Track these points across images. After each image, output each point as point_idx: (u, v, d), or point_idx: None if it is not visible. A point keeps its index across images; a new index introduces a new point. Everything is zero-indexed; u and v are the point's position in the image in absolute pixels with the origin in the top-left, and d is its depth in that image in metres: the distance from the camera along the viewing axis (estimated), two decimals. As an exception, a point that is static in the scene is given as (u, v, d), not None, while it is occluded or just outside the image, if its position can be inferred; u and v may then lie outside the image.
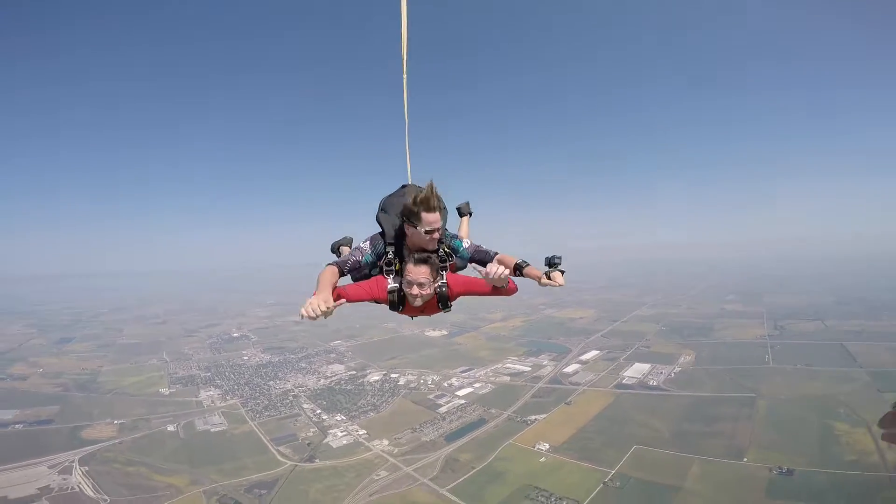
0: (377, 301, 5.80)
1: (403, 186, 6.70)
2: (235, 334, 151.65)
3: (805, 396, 70.85)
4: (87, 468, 60.69)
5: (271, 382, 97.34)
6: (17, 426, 74.50)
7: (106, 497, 54.00)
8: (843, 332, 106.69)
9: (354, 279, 5.90)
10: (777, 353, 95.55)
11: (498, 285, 5.34)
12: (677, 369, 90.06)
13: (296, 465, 61.61)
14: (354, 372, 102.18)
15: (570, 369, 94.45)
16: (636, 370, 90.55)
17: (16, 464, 61.09)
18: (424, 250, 5.65)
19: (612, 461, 56.95)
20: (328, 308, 4.57)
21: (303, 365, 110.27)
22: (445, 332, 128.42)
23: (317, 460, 63.02)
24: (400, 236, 5.91)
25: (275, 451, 65.54)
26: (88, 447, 66.93)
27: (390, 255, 5.85)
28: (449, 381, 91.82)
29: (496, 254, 6.05)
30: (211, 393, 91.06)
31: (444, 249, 5.93)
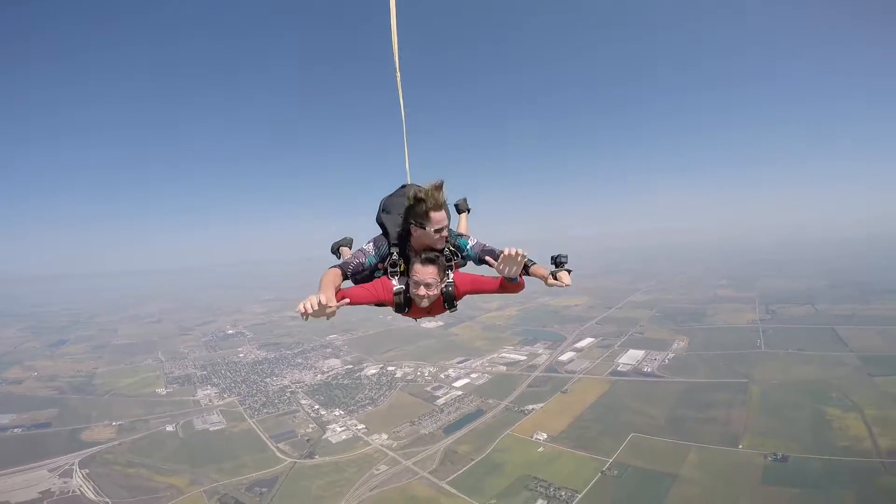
0: (381, 303, 5.71)
1: (403, 186, 6.57)
2: (230, 331, 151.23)
3: (797, 381, 71.73)
4: (87, 471, 60.72)
5: (268, 379, 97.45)
6: (15, 430, 74.22)
7: (107, 500, 54.07)
8: (835, 316, 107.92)
9: (355, 282, 5.77)
10: (769, 337, 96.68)
11: (510, 277, 5.29)
12: (671, 355, 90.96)
13: (296, 462, 61.85)
14: (351, 366, 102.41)
15: (565, 357, 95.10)
16: (631, 357, 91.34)
17: (16, 468, 60.99)
18: (431, 250, 5.58)
19: (609, 450, 57.57)
20: (328, 304, 4.49)
21: (299, 360, 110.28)
22: (441, 323, 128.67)
23: (316, 456, 63.28)
24: (404, 237, 5.82)
25: (274, 449, 65.74)
26: (88, 449, 66.89)
27: (395, 257, 5.77)
28: (446, 373, 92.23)
29: (501, 252, 5.89)
30: (208, 391, 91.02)
31: (449, 248, 5.87)
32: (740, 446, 55.46)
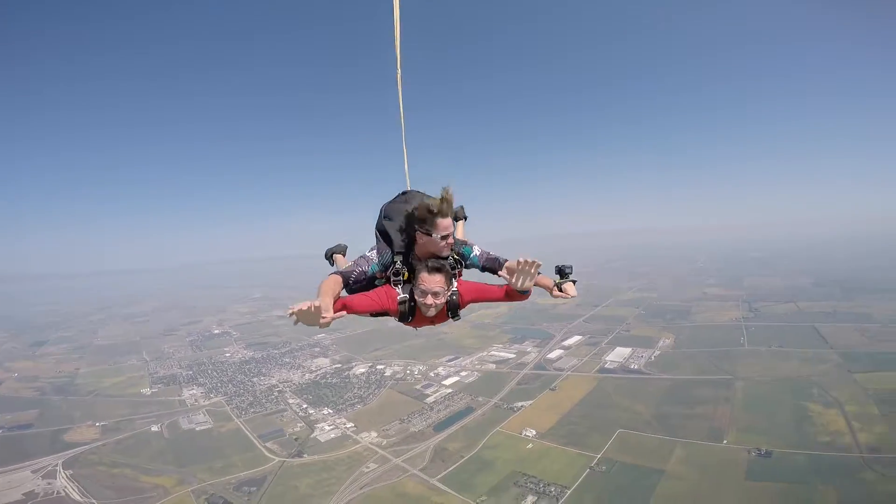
0: (384, 313, 5.54)
1: (404, 193, 6.44)
2: (216, 331, 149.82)
3: (779, 378, 73.22)
4: (71, 471, 59.82)
5: (255, 379, 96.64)
6: (-4, 431, 72.72)
7: (93, 501, 53.35)
8: (815, 313, 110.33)
9: (354, 291, 5.53)
10: (752, 335, 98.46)
11: (524, 290, 5.20)
12: (657, 352, 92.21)
13: (284, 461, 61.54)
14: (340, 365, 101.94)
15: (553, 355, 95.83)
16: (618, 354, 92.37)
17: (-2, 469, 59.96)
18: (437, 258, 5.47)
19: (597, 446, 58.22)
20: (324, 311, 4.34)
21: (287, 360, 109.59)
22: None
23: (305, 455, 63.04)
24: (408, 245, 5.67)
25: (262, 448, 65.32)
26: (71, 450, 65.87)
27: (398, 265, 5.58)
28: (435, 371, 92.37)
29: (506, 260, 5.86)
30: (194, 391, 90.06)
31: (453, 257, 5.76)
32: (725, 442, 56.43)
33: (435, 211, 5.20)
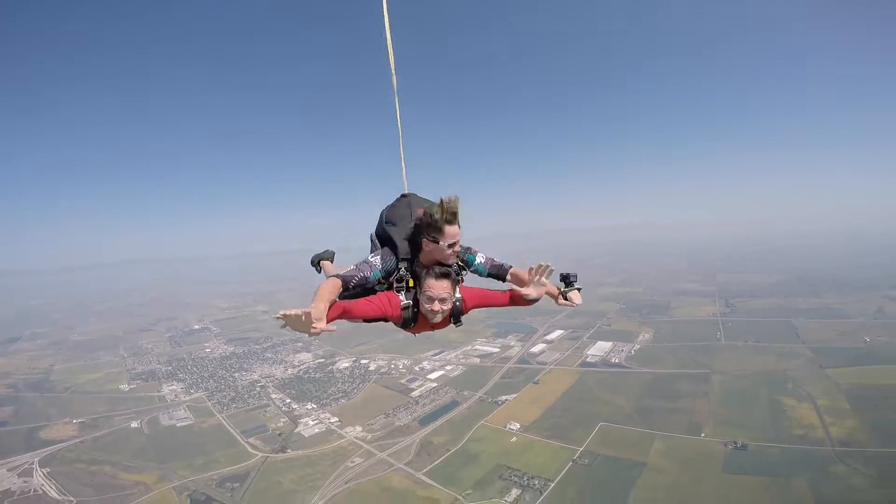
0: (384, 318, 5.40)
1: (404, 196, 6.27)
2: (196, 326, 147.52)
3: (755, 372, 75.22)
4: (48, 469, 58.51)
5: (237, 374, 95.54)
6: (-32, 429, 70.51)
7: (72, 498, 52.30)
8: (789, 309, 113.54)
9: (349, 296, 5.34)
10: (728, 329, 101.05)
11: (535, 299, 5.26)
12: (637, 346, 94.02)
13: (267, 457, 61.07)
14: (323, 360, 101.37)
15: (536, 349, 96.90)
16: (599, 348, 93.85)
17: (-29, 468, 58.25)
18: (442, 265, 5.32)
19: (579, 439, 59.16)
20: (317, 319, 4.17)
21: (269, 355, 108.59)
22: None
23: (289, 450, 62.65)
24: (413, 251, 5.52)
25: (245, 444, 64.71)
26: (48, 448, 64.42)
27: (402, 271, 5.45)
28: (420, 365, 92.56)
29: (510, 267, 5.87)
30: (174, 387, 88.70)
31: (457, 263, 5.62)
32: (703, 435, 57.79)
33: (443, 218, 5.09)
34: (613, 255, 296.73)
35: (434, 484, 52.52)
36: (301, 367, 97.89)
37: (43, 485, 55.19)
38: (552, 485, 50.14)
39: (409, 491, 51.70)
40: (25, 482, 55.65)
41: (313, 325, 4.13)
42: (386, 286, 5.54)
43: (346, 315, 4.89)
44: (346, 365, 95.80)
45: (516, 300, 5.50)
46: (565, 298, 5.51)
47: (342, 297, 5.09)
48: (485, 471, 53.91)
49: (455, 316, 5.54)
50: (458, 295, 5.45)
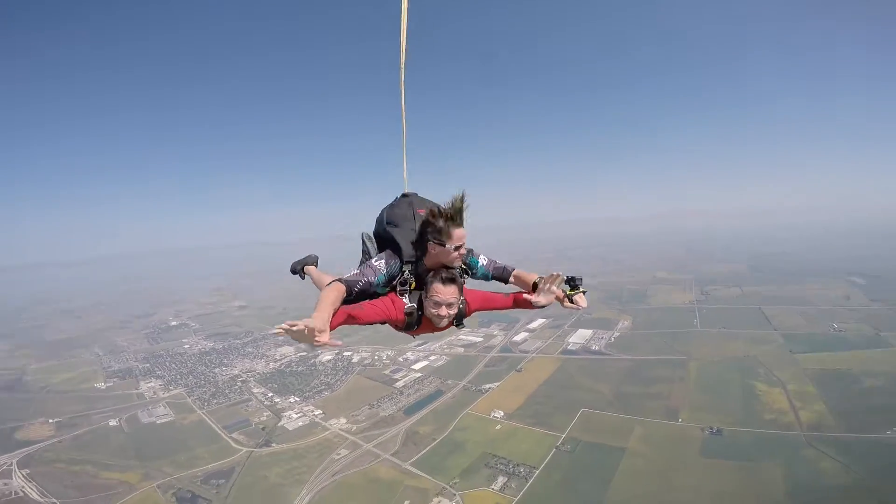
0: (386, 322, 5.32)
1: (405, 196, 6.08)
2: (173, 323, 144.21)
3: (729, 358, 77.78)
4: (28, 471, 57.12)
5: (217, 370, 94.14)
6: (-61, 432, 67.83)
7: (54, 500, 51.24)
8: (761, 297, 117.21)
9: (351, 301, 5.11)
10: (704, 316, 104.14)
11: (543, 306, 5.32)
12: (617, 334, 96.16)
13: (252, 451, 60.69)
14: (305, 353, 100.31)
15: (519, 338, 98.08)
16: (580, 336, 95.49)
17: (-54, 471, 56.43)
18: (447, 268, 5.24)
19: (562, 425, 60.43)
20: (320, 333, 4.03)
21: (249, 350, 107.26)
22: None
23: (273, 444, 62.33)
24: (419, 254, 5.37)
25: (228, 439, 64.10)
26: (26, 448, 62.77)
27: (406, 274, 5.31)
28: (404, 356, 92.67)
29: (513, 269, 5.87)
30: (152, 384, 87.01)
31: (461, 266, 5.51)
32: (680, 420, 59.59)
33: (449, 220, 4.97)
34: (594, 247, 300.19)
35: (421, 474, 53.03)
36: (283, 360, 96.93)
37: (24, 486, 53.86)
38: (537, 472, 51.20)
39: (397, 481, 52.08)
40: (6, 484, 54.26)
41: (316, 338, 4.00)
42: (389, 289, 5.40)
43: (350, 321, 4.83)
44: (329, 357, 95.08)
45: (521, 304, 5.53)
46: (571, 301, 5.53)
47: (345, 301, 4.96)
48: (471, 459, 54.65)
49: (459, 319, 5.43)
50: (462, 298, 5.34)
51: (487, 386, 75.04)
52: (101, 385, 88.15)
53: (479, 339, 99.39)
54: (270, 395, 79.00)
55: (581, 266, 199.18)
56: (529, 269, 5.97)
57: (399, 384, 79.23)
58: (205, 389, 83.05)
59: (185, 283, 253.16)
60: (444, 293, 5.01)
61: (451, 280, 5.07)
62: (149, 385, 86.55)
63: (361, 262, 5.95)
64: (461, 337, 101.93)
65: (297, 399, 76.21)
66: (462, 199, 5.03)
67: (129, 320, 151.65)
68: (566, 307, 5.53)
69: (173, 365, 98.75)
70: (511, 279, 5.84)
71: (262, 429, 66.86)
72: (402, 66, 5.91)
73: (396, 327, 5.43)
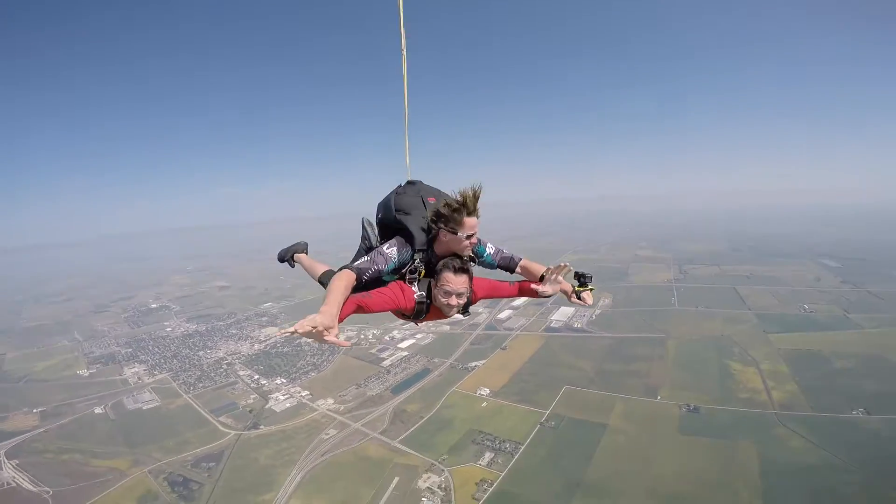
0: (396, 311, 5.34)
1: (412, 184, 5.99)
2: (154, 305, 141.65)
3: (706, 337, 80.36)
4: (17, 461, 56.47)
5: (201, 352, 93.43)
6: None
7: (48, 489, 50.87)
8: (736, 276, 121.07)
9: (360, 289, 5.08)
10: (682, 295, 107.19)
11: (549, 295, 5.47)
12: (598, 312, 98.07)
13: (241, 434, 60.94)
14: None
15: (503, 315, 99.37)
16: (562, 314, 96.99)
17: (-67, 466, 55.55)
18: (457, 257, 5.29)
19: (545, 402, 62.07)
20: (331, 330, 4.03)
21: (233, 331, 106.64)
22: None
23: (262, 426, 62.65)
24: (430, 242, 5.41)
25: (216, 423, 64.19)
26: (12, 439, 61.85)
27: (417, 262, 5.33)
28: (390, 335, 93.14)
29: (520, 259, 5.93)
30: (136, 369, 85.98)
31: (468, 255, 5.54)
32: (659, 398, 61.56)
33: (464, 208, 5.04)
34: (576, 226, 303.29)
35: (410, 451, 54.12)
36: (268, 341, 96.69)
37: (15, 477, 53.34)
38: (523, 447, 52.70)
39: (386, 459, 53.07)
40: (-4, 475, 53.82)
41: (325, 336, 3.98)
42: (397, 277, 5.41)
43: (360, 310, 4.83)
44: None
45: (526, 292, 5.62)
46: (578, 298, 5.59)
47: (359, 289, 4.97)
48: (458, 436, 55.93)
49: (465, 307, 5.46)
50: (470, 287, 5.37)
51: (473, 364, 76.31)
52: (84, 372, 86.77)
53: (465, 317, 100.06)
54: (257, 377, 79.01)
55: (565, 245, 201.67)
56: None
57: (386, 363, 79.97)
58: (190, 373, 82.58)
59: (160, 265, 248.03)
60: (455, 283, 5.09)
61: (463, 270, 5.15)
62: (133, 370, 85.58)
63: (360, 248, 6.08)
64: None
65: (284, 380, 76.40)
66: (478, 189, 5.12)
67: (108, 304, 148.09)
68: (573, 302, 5.62)
69: (156, 349, 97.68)
70: (518, 269, 5.92)
71: (250, 411, 67.00)
72: (403, 48, 5.89)
73: (402, 315, 5.46)
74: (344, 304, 4.49)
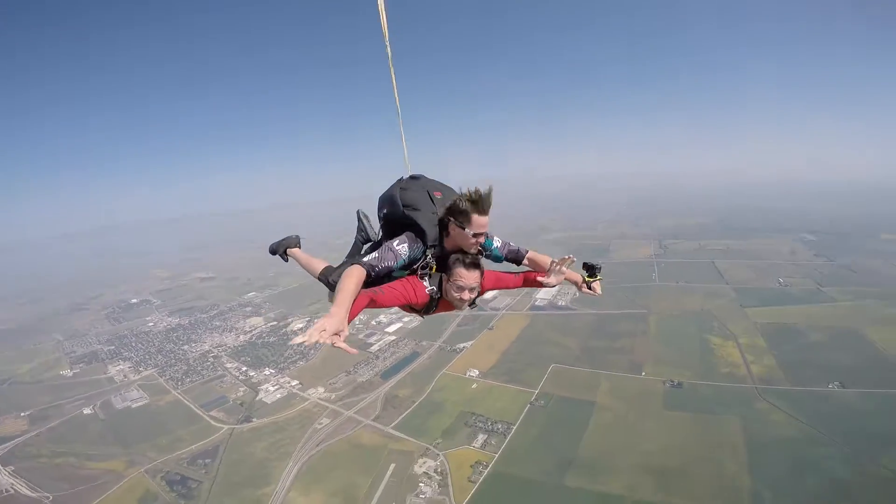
0: (407, 305, 5.43)
1: (413, 178, 6.00)
2: (134, 300, 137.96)
3: (686, 312, 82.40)
4: (12, 467, 55.65)
5: (186, 346, 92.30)
6: None
7: (47, 494, 50.44)
8: (713, 251, 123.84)
9: (369, 284, 5.10)
10: (662, 270, 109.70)
11: (553, 286, 5.59)
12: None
13: (234, 428, 60.90)
14: (276, 322, 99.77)
15: (489, 295, 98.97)
16: (546, 292, 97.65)
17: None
18: (464, 252, 5.39)
19: (534, 381, 63.39)
20: (340, 335, 4.07)
21: (217, 323, 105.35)
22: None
23: (254, 419, 62.66)
24: (440, 237, 5.48)
25: (207, 418, 63.92)
26: (4, 445, 60.81)
27: (429, 258, 5.42)
28: (377, 319, 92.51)
29: (527, 252, 6.06)
30: (121, 367, 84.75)
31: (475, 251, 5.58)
32: (643, 374, 63.26)
33: (476, 208, 5.10)
34: (559, 204, 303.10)
35: (404, 436, 54.90)
36: (253, 332, 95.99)
37: (13, 483, 52.68)
38: (514, 427, 54.00)
39: (381, 446, 53.78)
40: (-7, 483, 52.99)
41: (334, 342, 4.01)
42: (408, 272, 5.48)
43: (371, 306, 4.85)
44: (301, 326, 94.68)
45: (530, 283, 5.79)
46: (588, 288, 5.80)
47: (369, 284, 5.02)
48: (451, 419, 56.92)
49: (473, 300, 5.57)
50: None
51: (461, 345, 77.07)
52: (68, 372, 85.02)
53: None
54: (244, 368, 78.63)
55: (545, 223, 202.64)
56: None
57: (374, 348, 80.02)
58: (176, 368, 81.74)
59: (135, 260, 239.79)
60: (467, 278, 5.25)
61: (475, 265, 5.30)
62: (118, 368, 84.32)
63: (356, 240, 6.27)
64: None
65: (273, 371, 76.15)
66: (490, 190, 5.18)
67: (85, 302, 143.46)
68: (584, 293, 5.87)
69: (139, 345, 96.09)
70: (525, 261, 6.06)
71: (241, 405, 66.86)
72: (386, 37, 5.81)
73: (412, 310, 5.58)
74: (355, 299, 4.54)
